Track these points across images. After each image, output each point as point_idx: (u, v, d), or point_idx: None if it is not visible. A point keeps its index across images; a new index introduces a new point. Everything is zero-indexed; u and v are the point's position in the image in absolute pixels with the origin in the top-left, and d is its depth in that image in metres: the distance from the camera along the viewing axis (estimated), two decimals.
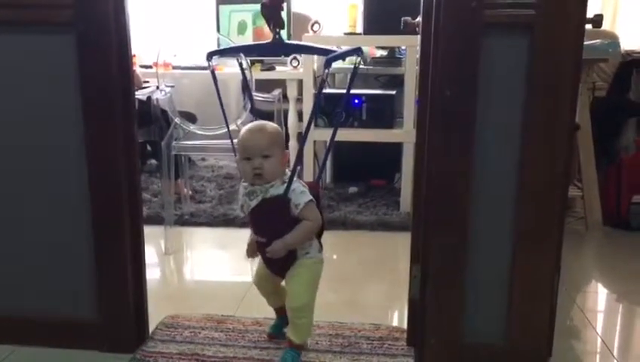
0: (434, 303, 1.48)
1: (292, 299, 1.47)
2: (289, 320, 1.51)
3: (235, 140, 1.48)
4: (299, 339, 1.50)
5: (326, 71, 1.37)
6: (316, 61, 3.08)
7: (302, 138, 1.45)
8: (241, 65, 1.63)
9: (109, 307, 1.59)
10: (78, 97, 1.47)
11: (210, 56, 1.54)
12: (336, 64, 3.38)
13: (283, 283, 1.55)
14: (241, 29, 3.66)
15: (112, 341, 1.59)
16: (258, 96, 2.80)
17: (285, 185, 1.40)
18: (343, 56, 1.41)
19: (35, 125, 1.52)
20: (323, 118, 2.90)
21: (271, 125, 1.47)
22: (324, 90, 3.07)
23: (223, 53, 1.75)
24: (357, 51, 1.44)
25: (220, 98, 1.57)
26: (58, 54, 1.46)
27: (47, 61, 1.47)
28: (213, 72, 1.53)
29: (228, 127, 1.64)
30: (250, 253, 1.56)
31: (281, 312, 1.63)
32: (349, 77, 3.52)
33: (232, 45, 2.55)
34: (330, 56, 1.35)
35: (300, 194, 1.41)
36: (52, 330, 1.61)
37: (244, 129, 1.46)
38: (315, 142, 2.97)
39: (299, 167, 2.91)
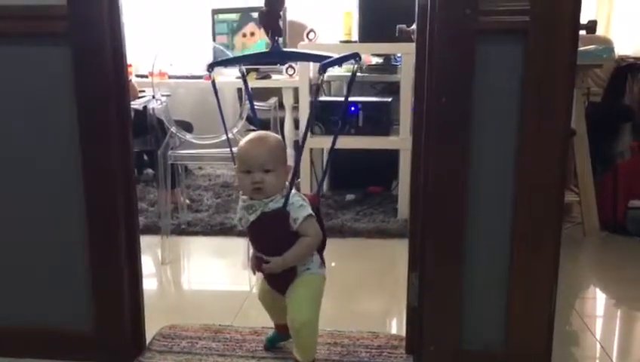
0: (432, 310, 1.48)
1: (292, 318, 1.42)
2: (292, 338, 1.46)
3: (224, 150, 1.45)
4: (304, 359, 1.46)
5: (320, 77, 1.34)
6: (312, 69, 3.09)
7: (298, 151, 1.41)
8: (243, 74, 1.60)
9: (105, 318, 1.57)
10: (74, 107, 1.47)
11: (211, 67, 1.50)
12: (333, 71, 3.42)
13: None
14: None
15: (108, 352, 1.58)
16: (254, 104, 2.80)
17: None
18: (339, 61, 1.39)
19: (30, 136, 1.51)
20: (319, 125, 2.90)
21: (273, 136, 1.42)
22: (320, 98, 3.10)
23: (224, 64, 1.73)
24: (354, 56, 1.40)
25: (220, 108, 1.54)
26: (53, 65, 1.46)
27: (42, 72, 1.47)
28: (214, 83, 1.51)
29: (227, 137, 1.62)
30: (253, 266, 1.50)
31: (281, 329, 1.59)
32: (345, 84, 3.53)
33: (230, 56, 2.54)
34: (325, 62, 1.32)
35: (299, 208, 1.36)
36: (48, 342, 1.60)
37: (244, 140, 1.40)
38: (311, 150, 2.97)
39: (298, 180, 2.91)
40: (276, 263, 1.38)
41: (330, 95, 3.52)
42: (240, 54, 3.13)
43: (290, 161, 1.48)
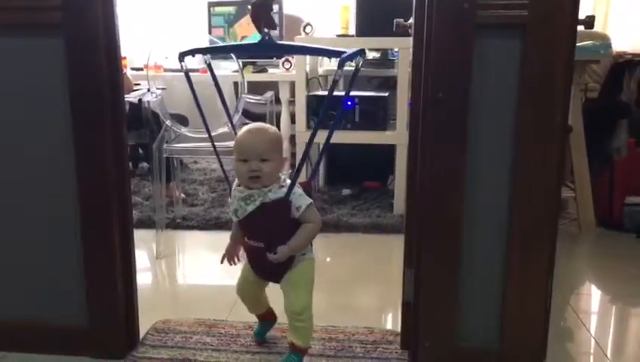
0: (428, 306, 1.47)
1: (293, 303, 1.43)
2: (289, 324, 1.47)
3: (217, 144, 1.44)
4: (303, 343, 1.47)
5: (339, 71, 1.34)
6: (309, 63, 3.08)
7: (309, 139, 1.41)
8: (209, 66, 1.54)
9: (98, 312, 1.56)
10: (67, 100, 1.45)
11: (182, 56, 1.46)
12: (330, 65, 3.40)
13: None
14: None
15: (102, 346, 1.57)
16: (250, 98, 2.79)
17: (283, 188, 1.38)
18: (352, 56, 1.40)
19: (22, 128, 1.49)
20: (314, 119, 2.90)
21: (271, 129, 1.44)
22: (317, 93, 3.09)
23: (197, 52, 1.68)
24: (361, 53, 1.42)
25: (196, 100, 1.52)
26: (46, 57, 1.44)
27: (35, 64, 1.45)
28: (187, 74, 1.48)
29: (209, 131, 1.60)
30: (229, 259, 1.53)
31: (263, 317, 1.63)
32: (342, 79, 3.51)
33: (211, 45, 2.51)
34: (343, 57, 1.33)
35: (300, 197, 1.38)
36: (42, 336, 1.59)
37: (243, 129, 1.42)
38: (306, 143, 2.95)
39: (291, 171, 2.90)
40: (282, 252, 1.38)
41: (325, 89, 3.50)
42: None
43: (286, 155, 1.47)
